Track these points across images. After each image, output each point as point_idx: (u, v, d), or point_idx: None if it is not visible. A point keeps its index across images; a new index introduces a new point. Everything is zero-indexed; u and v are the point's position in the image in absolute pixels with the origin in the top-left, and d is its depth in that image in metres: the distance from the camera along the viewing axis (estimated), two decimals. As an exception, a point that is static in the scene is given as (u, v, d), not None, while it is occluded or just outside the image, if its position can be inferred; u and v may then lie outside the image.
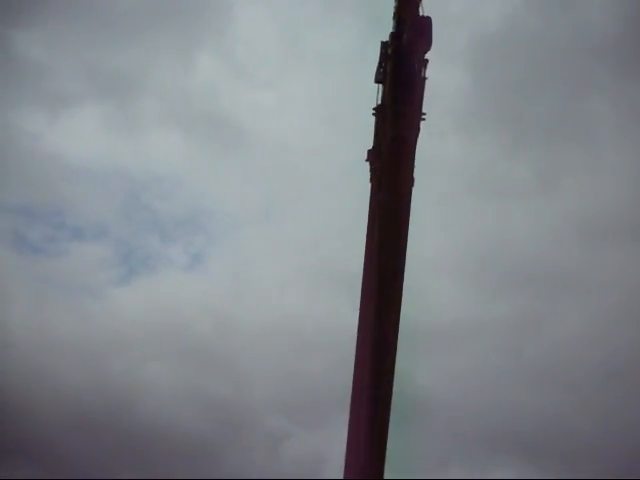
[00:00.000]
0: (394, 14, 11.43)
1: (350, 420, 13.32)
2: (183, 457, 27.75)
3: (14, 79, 34.08)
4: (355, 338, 13.19)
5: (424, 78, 11.41)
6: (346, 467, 13.24)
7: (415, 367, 30.01)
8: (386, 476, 12.45)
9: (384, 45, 11.60)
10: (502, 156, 34.55)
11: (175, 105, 36.26)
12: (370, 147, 12.84)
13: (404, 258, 12.47)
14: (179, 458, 27.70)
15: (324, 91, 33.62)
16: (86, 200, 35.08)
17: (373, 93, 11.67)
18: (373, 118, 12.14)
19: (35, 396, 27.43)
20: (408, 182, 11.90)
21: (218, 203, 36.20)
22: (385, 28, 11.28)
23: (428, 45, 11.00)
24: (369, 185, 12.58)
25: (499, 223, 33.50)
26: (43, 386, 27.84)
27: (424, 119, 11.69)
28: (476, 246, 32.88)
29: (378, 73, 11.63)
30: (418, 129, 11.76)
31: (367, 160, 12.74)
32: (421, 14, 10.92)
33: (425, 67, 11.36)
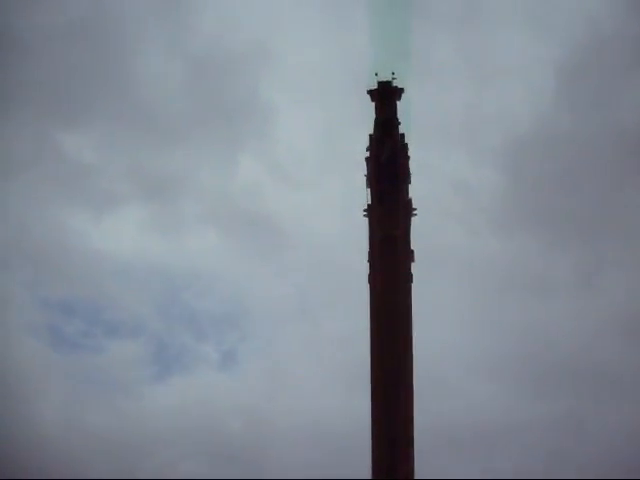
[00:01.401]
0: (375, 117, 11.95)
1: None
2: None
3: (65, 180, 35.67)
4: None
5: (408, 175, 11.90)
6: None
7: (454, 468, 29.18)
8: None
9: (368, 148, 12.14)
10: (540, 253, 34.52)
11: (216, 205, 37.22)
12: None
13: (406, 356, 12.44)
14: None
15: (361, 190, 34.12)
16: (125, 296, 35.57)
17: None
18: None
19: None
20: (401, 279, 12.12)
21: (254, 301, 36.38)
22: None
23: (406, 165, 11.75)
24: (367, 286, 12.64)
25: (539, 320, 32.99)
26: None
27: (415, 214, 12.09)
28: (516, 344, 32.31)
29: (367, 177, 12.10)
30: (408, 226, 12.11)
31: (368, 261, 12.90)
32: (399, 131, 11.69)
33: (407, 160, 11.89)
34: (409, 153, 12.10)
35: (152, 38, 37.35)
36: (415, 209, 12.03)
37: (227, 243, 36.96)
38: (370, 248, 12.02)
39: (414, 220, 34.44)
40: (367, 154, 11.71)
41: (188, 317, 36.80)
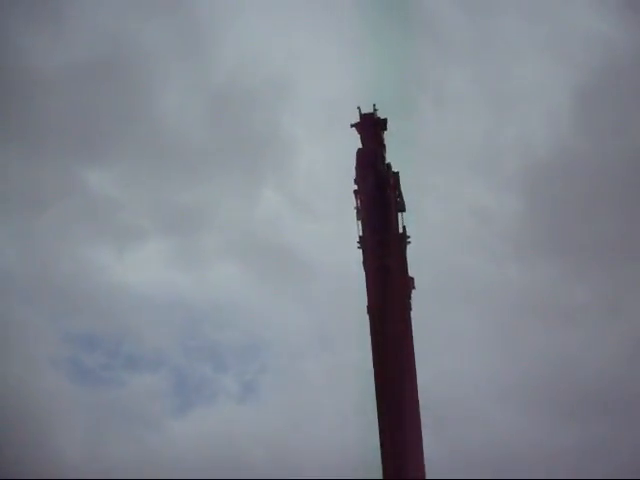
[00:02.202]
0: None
1: None
2: None
3: (88, 215, 36.28)
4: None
5: (399, 199, 11.90)
6: None
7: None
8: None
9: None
10: (562, 279, 34.15)
11: (237, 238, 37.48)
12: None
13: (409, 385, 12.25)
14: None
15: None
16: (146, 329, 35.83)
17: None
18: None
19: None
20: (398, 308, 12.02)
21: (274, 332, 36.40)
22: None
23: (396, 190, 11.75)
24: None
25: (563, 348, 32.60)
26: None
27: (409, 242, 12.03)
28: (540, 373, 31.88)
29: (356, 210, 11.88)
30: (403, 255, 12.06)
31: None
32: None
33: (399, 184, 11.87)
34: (401, 181, 12.04)
35: (173, 74, 38.09)
36: (409, 237, 11.94)
37: (248, 275, 37.13)
38: (366, 279, 11.95)
39: (432, 246, 34.55)
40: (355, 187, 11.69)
41: (208, 349, 36.94)
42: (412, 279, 12.32)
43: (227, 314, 37.14)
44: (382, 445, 12.27)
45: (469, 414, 31.29)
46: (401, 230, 12.14)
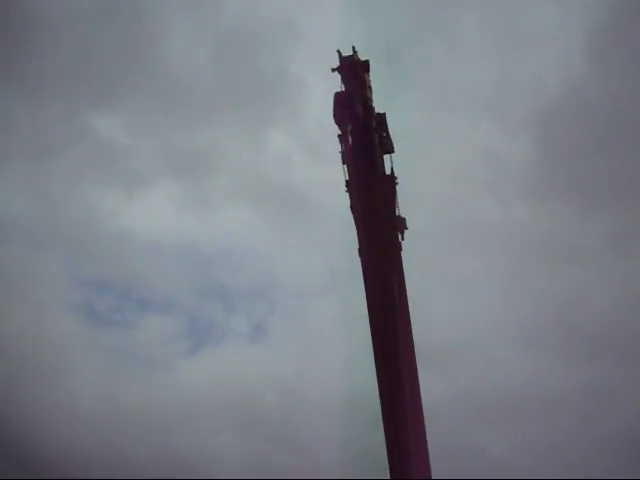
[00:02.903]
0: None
1: None
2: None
3: (96, 160, 36.30)
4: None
5: (386, 140, 11.70)
6: None
7: (487, 441, 28.98)
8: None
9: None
10: (572, 221, 33.96)
11: (246, 181, 37.41)
12: None
13: (402, 327, 12.29)
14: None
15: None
16: (156, 273, 36.11)
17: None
18: None
19: (103, 466, 27.62)
20: (387, 250, 11.91)
21: (284, 275, 36.57)
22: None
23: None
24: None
25: (572, 289, 32.59)
26: (111, 456, 28.05)
27: (397, 183, 11.90)
28: (549, 314, 31.97)
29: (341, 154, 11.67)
30: (392, 197, 11.92)
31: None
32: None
33: (385, 126, 11.64)
34: (389, 123, 11.80)
35: (180, 16, 37.65)
36: (397, 178, 11.82)
37: (257, 218, 37.19)
38: (355, 222, 11.86)
39: (443, 190, 34.28)
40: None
41: (218, 292, 37.27)
42: (403, 219, 12.19)
43: (236, 257, 37.41)
44: (379, 384, 12.36)
45: (478, 355, 31.59)
46: (389, 172, 12.02)
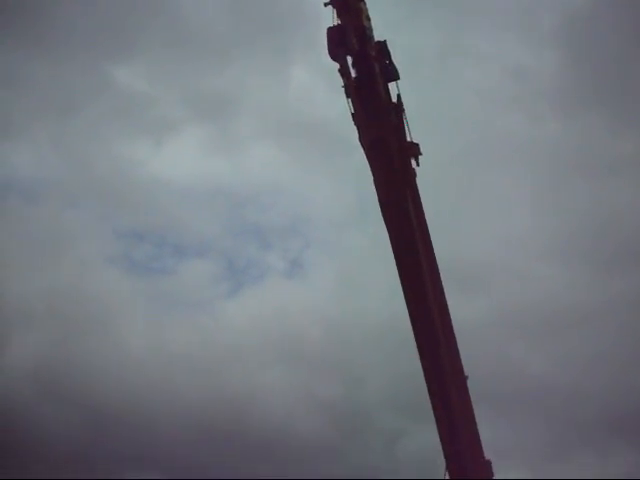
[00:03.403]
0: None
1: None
2: (305, 458, 28.20)
3: (120, 111, 36.38)
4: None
5: (390, 67, 11.57)
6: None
7: (527, 359, 29.30)
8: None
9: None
10: (606, 133, 33.34)
11: (271, 119, 37.22)
12: None
13: (424, 251, 12.41)
14: (301, 460, 28.17)
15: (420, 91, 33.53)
16: (190, 219, 36.52)
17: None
18: None
19: (155, 410, 28.63)
20: (400, 177, 11.90)
21: (316, 209, 36.73)
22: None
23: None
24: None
25: (606, 201, 32.23)
26: (163, 400, 28.98)
27: (403, 110, 11.77)
28: (586, 226, 31.73)
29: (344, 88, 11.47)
30: (400, 124, 11.84)
31: None
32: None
33: (387, 53, 11.48)
34: (390, 50, 11.66)
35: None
36: (403, 105, 11.74)
37: (285, 155, 37.19)
38: (365, 154, 11.88)
39: (471, 109, 33.68)
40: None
41: (253, 232, 37.66)
42: (416, 145, 12.10)
43: (267, 196, 37.60)
44: (408, 309, 12.70)
45: (513, 272, 31.61)
46: (395, 99, 11.87)
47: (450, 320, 13.09)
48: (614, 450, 26.74)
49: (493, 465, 14.00)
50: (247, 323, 32.46)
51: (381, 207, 12.14)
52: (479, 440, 13.61)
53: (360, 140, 11.79)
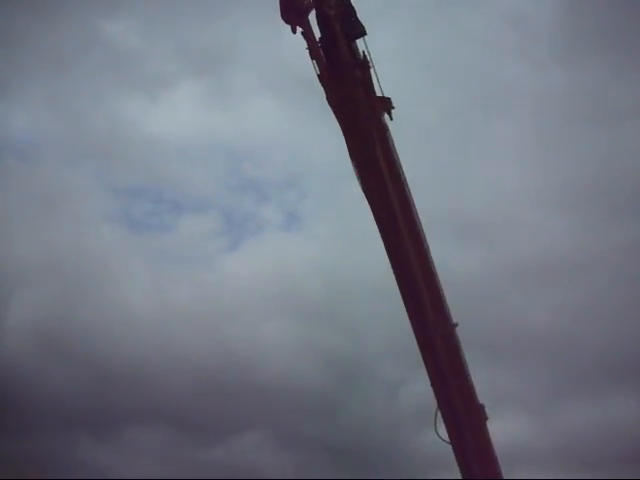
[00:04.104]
0: None
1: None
2: (306, 409, 28.53)
3: (113, 68, 35.99)
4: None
5: (352, 25, 11.33)
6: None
7: (529, 304, 29.39)
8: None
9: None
10: (609, 80, 32.92)
11: (267, 72, 36.75)
12: None
13: (401, 211, 12.39)
14: (303, 411, 28.50)
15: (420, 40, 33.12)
16: (187, 175, 36.41)
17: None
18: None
19: (158, 365, 28.90)
20: (370, 134, 11.75)
21: (312, 163, 36.59)
22: None
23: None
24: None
25: (611, 149, 31.94)
26: (165, 355, 29.24)
27: (372, 67, 11.56)
28: (584, 175, 31.53)
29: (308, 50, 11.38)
30: (367, 80, 11.65)
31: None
32: None
33: (351, 10, 11.25)
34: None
35: None
36: (369, 62, 11.51)
37: (282, 108, 36.89)
38: (334, 114, 11.78)
39: (470, 58, 33.16)
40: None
41: (250, 186, 37.57)
42: (388, 100, 11.98)
43: (264, 150, 37.43)
44: (389, 260, 12.78)
45: (515, 222, 31.56)
46: (362, 56, 11.64)
47: (432, 270, 13.20)
48: (611, 395, 26.99)
49: (487, 410, 14.32)
50: (247, 277, 32.63)
51: (353, 165, 12.13)
52: (470, 385, 13.84)
53: (328, 100, 11.70)
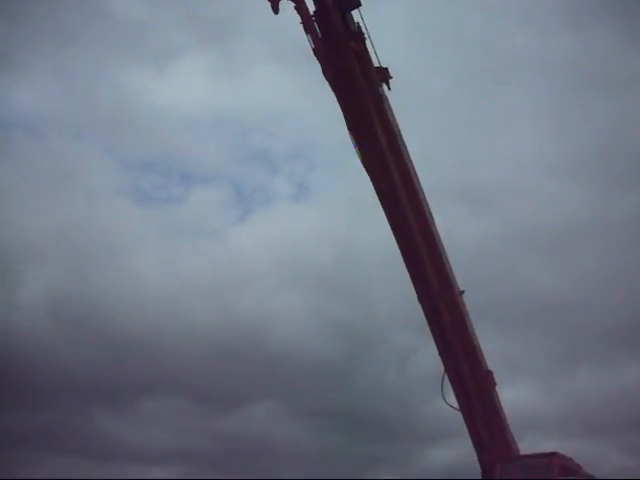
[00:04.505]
0: None
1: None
2: (319, 378, 28.72)
3: (119, 40, 35.79)
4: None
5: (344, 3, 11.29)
6: None
7: (539, 272, 29.34)
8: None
9: None
10: (619, 47, 32.52)
11: (275, 42, 36.41)
12: None
13: (400, 179, 12.41)
14: (315, 379, 28.71)
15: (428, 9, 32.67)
16: (196, 147, 36.35)
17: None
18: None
19: (170, 336, 29.09)
20: (368, 103, 11.73)
21: (321, 133, 36.31)
22: None
23: None
24: None
25: (623, 116, 31.61)
26: (177, 326, 29.42)
27: (365, 38, 11.52)
28: (598, 142, 31.30)
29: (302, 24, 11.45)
30: (363, 52, 11.60)
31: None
32: None
33: None
34: None
35: None
36: (364, 33, 11.51)
37: (291, 78, 36.52)
38: (331, 87, 11.78)
39: (479, 27, 32.71)
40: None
41: (259, 157, 37.50)
42: (385, 70, 11.96)
43: (273, 121, 37.27)
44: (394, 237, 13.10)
45: (526, 190, 31.43)
46: (356, 28, 11.62)
47: (435, 240, 13.31)
48: (619, 362, 27.08)
49: (496, 376, 14.50)
50: (257, 248, 32.68)
51: (351, 138, 12.13)
52: (477, 352, 14.00)
53: (323, 73, 11.69)
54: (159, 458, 28.27)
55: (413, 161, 12.65)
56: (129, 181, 35.86)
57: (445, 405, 14.34)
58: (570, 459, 14.12)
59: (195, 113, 36.85)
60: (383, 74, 11.87)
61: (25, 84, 36.00)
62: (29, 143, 34.31)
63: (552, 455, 13.74)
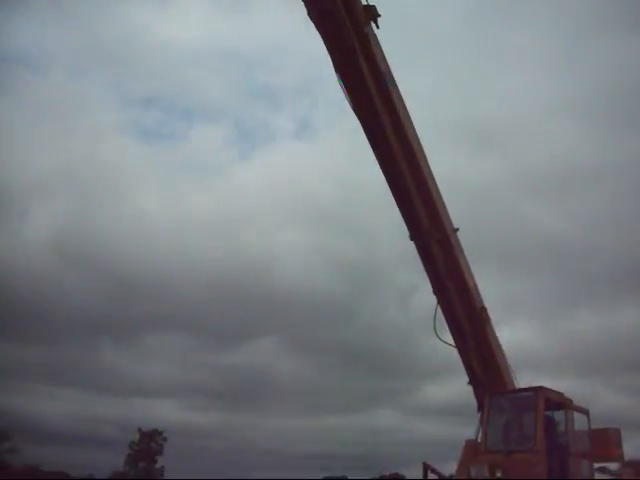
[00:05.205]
0: None
1: None
2: (321, 315, 29.23)
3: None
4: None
5: None
6: None
7: (543, 213, 29.50)
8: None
9: None
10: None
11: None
12: None
13: (387, 118, 12.36)
14: (317, 316, 29.22)
15: None
16: (199, 82, 36.14)
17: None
18: None
19: (174, 273, 29.53)
20: (355, 43, 11.58)
21: (327, 69, 35.99)
22: None
23: None
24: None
25: (629, 59, 31.15)
26: (181, 263, 29.82)
27: None
28: (606, 83, 30.93)
29: None
30: None
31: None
32: None
33: None
34: None
35: None
36: None
37: (296, 12, 36.04)
38: (317, 29, 11.69)
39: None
40: None
41: (263, 93, 37.31)
42: (372, 7, 11.68)
43: (278, 57, 36.97)
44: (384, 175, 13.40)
45: (532, 131, 31.24)
46: None
47: (425, 179, 13.36)
48: (619, 304, 27.36)
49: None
50: (260, 185, 32.85)
51: (338, 76, 12.08)
52: (469, 289, 14.20)
53: (309, 16, 11.60)
54: (162, 391, 29.02)
55: (404, 99, 12.56)
56: (132, 117, 35.83)
57: (444, 342, 14.61)
58: (560, 393, 14.41)
59: (198, 48, 36.60)
60: (370, 12, 11.68)
61: (25, 18, 35.65)
62: (31, 79, 34.19)
63: (538, 389, 14.04)
